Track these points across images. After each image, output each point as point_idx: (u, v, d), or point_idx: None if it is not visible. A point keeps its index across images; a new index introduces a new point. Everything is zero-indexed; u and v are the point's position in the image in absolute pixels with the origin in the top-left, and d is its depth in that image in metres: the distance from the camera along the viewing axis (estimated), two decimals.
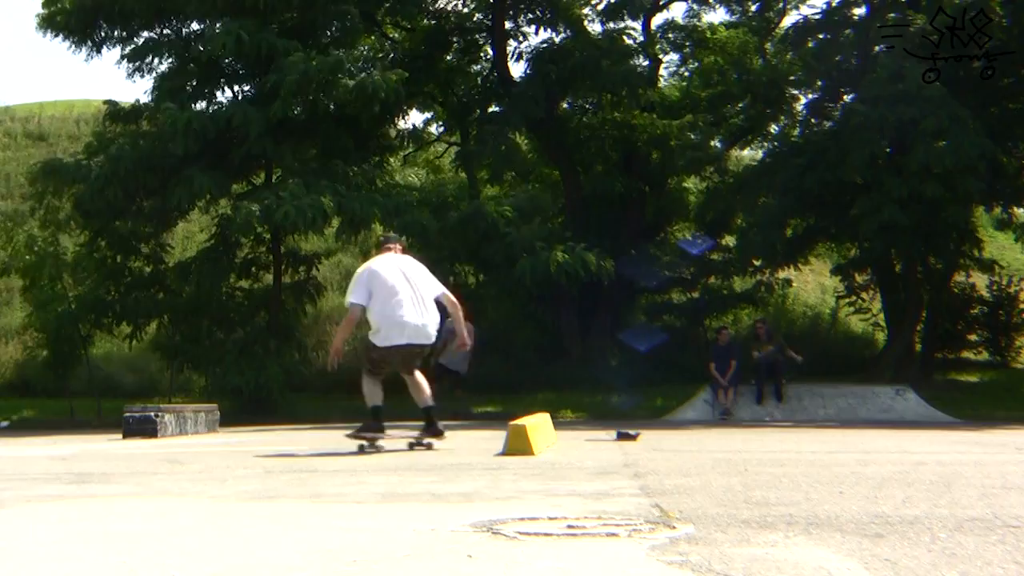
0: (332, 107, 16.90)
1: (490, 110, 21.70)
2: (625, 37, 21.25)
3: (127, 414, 11.79)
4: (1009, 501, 4.13)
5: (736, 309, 21.92)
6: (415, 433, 8.21)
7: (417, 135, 21.08)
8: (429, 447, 8.00)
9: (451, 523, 3.48)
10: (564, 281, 17.08)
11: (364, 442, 7.90)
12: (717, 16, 34.51)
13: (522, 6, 21.48)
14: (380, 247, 8.36)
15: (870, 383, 17.30)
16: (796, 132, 20.93)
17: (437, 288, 8.15)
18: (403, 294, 7.78)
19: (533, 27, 21.79)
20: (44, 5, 18.27)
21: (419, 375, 8.10)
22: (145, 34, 18.45)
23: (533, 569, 2.65)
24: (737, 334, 19.59)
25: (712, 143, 21.57)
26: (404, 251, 8.45)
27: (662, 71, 23.21)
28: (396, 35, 22.73)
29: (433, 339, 8.10)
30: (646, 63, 21.91)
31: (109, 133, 18.13)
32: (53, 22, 18.11)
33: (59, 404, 17.89)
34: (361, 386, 8.13)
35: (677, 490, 4.57)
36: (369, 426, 7.95)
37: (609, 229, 20.49)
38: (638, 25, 21.90)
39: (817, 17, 19.88)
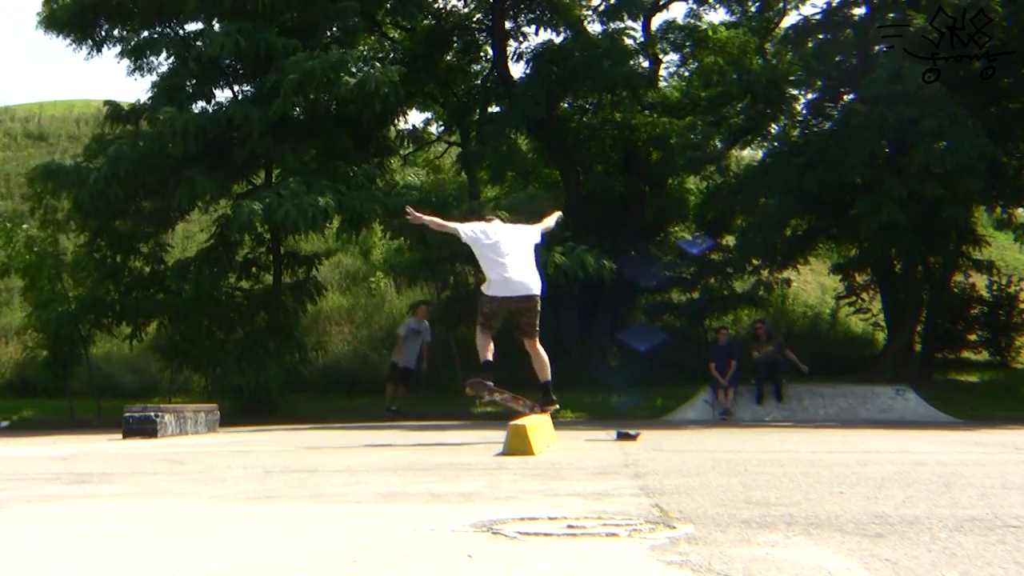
0: (334, 107, 16.90)
1: (490, 110, 21.69)
2: (625, 37, 21.26)
3: (127, 414, 11.78)
4: (1009, 501, 4.13)
5: (736, 309, 21.92)
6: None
7: (417, 135, 21.08)
8: (549, 414, 8.79)
9: (451, 523, 3.48)
10: (563, 282, 17.07)
11: (484, 394, 8.82)
12: (717, 16, 34.50)
13: (522, 6, 21.49)
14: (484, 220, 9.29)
15: (870, 383, 17.30)
16: (796, 132, 20.93)
17: (535, 237, 8.94)
18: (509, 254, 8.59)
19: (533, 27, 21.81)
20: (44, 3, 18.27)
21: (540, 348, 8.79)
22: (145, 33, 18.45)
23: (533, 569, 2.65)
24: (737, 334, 19.60)
25: (712, 143, 21.58)
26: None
27: (662, 71, 23.23)
28: (396, 35, 22.73)
29: (536, 293, 8.70)
30: (646, 63, 21.92)
31: (109, 135, 18.13)
32: (53, 20, 18.11)
33: (59, 404, 17.89)
34: (475, 342, 8.92)
35: (677, 490, 4.57)
36: (479, 375, 8.80)
37: (609, 229, 20.48)
38: (638, 25, 21.93)
39: (817, 17, 19.89)
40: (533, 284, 8.66)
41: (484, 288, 8.78)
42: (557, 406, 8.94)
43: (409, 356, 16.77)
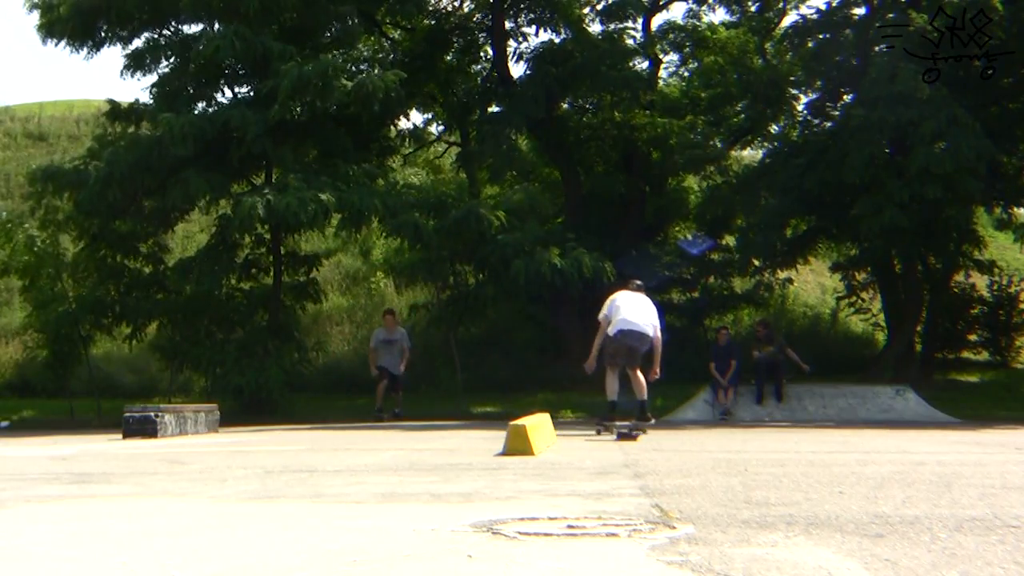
0: (333, 108, 16.90)
1: (490, 110, 21.69)
2: (625, 37, 21.26)
3: (127, 414, 11.79)
4: (1009, 501, 4.14)
5: (736, 309, 21.92)
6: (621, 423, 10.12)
7: (417, 135, 21.08)
8: (643, 431, 10.03)
9: (451, 523, 3.48)
10: (559, 283, 17.07)
11: (612, 430, 9.96)
12: (717, 16, 34.50)
13: (522, 6, 21.49)
14: (625, 284, 11.38)
15: (870, 383, 17.29)
16: (796, 132, 20.93)
17: (655, 321, 10.68)
18: (629, 309, 10.58)
19: (533, 27, 21.80)
20: (41, 15, 18.28)
21: (640, 376, 10.50)
22: (145, 35, 18.44)
23: (533, 569, 2.65)
24: (737, 334, 19.58)
25: (713, 143, 21.57)
26: (640, 290, 11.11)
27: (662, 71, 23.23)
28: (396, 35, 22.73)
29: (647, 340, 10.51)
30: (646, 64, 21.93)
31: (109, 135, 18.14)
32: (52, 29, 18.12)
33: (59, 404, 17.89)
34: (605, 382, 10.67)
35: (677, 490, 4.57)
36: (607, 418, 10.44)
37: (609, 229, 20.48)
38: (638, 25, 21.93)
39: (814, 17, 19.87)
40: (645, 333, 10.44)
41: (608, 331, 10.56)
42: (652, 421, 10.72)
43: (389, 364, 16.29)
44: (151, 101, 17.77)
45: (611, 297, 11.01)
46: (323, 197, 15.32)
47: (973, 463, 6.40)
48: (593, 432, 10.59)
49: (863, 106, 16.94)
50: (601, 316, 10.84)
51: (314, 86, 15.90)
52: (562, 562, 2.75)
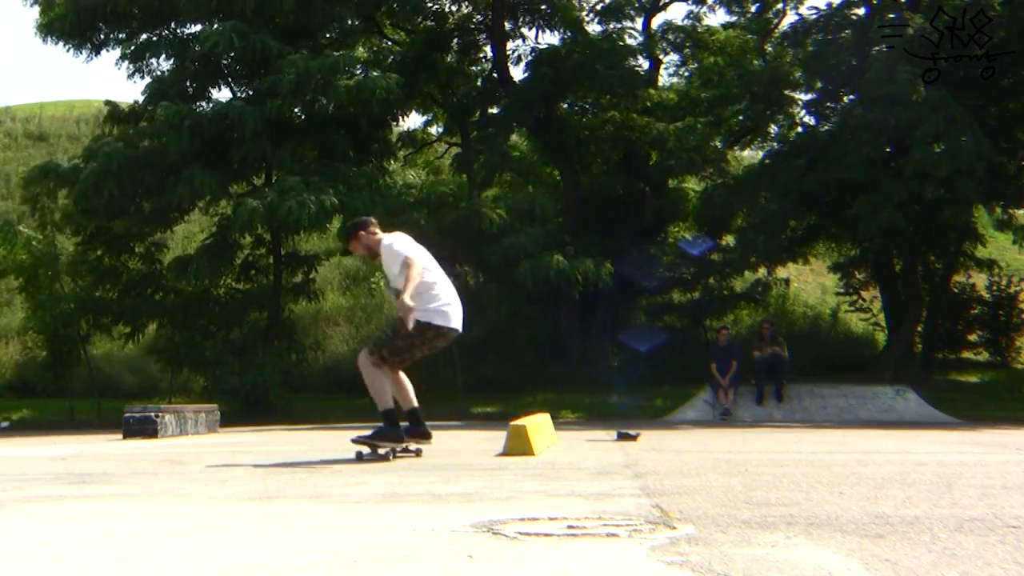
0: (332, 109, 16.93)
1: (490, 111, 21.71)
2: (625, 38, 21.29)
3: (127, 414, 11.81)
4: (1009, 501, 4.13)
5: (736, 309, 21.93)
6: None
7: (415, 136, 21.10)
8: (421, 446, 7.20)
9: (451, 523, 3.48)
10: (564, 286, 17.10)
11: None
12: (717, 18, 34.55)
13: (522, 7, 21.50)
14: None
15: (870, 383, 17.30)
16: (796, 132, 20.93)
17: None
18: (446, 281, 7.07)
19: (533, 28, 21.83)
20: (42, 12, 18.33)
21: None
22: (144, 36, 18.47)
23: (534, 569, 2.65)
24: (737, 334, 19.59)
25: (712, 144, 21.60)
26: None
27: (662, 72, 23.26)
28: (396, 37, 22.75)
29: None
30: (646, 64, 21.96)
31: (108, 136, 18.17)
32: (51, 28, 18.17)
33: (59, 404, 17.89)
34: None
35: (677, 490, 4.57)
36: (396, 432, 6.94)
37: (609, 229, 20.49)
38: (638, 26, 21.96)
39: (813, 17, 19.89)
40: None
41: (432, 306, 6.77)
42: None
43: None
44: (148, 99, 17.81)
45: (407, 241, 6.98)
46: (326, 200, 15.33)
47: (973, 463, 6.40)
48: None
49: (862, 105, 16.96)
50: (414, 261, 6.64)
51: (316, 83, 15.94)
52: (562, 562, 2.75)
